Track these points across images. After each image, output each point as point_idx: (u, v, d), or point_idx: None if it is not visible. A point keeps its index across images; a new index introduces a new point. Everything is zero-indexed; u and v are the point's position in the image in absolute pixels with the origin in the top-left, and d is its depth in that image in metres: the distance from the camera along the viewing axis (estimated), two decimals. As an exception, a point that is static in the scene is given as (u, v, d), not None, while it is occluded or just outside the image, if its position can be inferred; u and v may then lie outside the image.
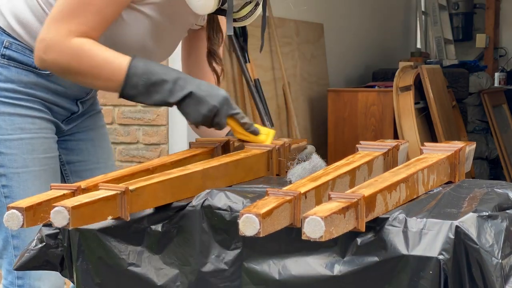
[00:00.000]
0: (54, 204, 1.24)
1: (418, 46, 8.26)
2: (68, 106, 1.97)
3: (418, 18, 8.25)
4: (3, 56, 1.86)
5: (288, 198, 1.22)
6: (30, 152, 1.86)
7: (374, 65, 6.57)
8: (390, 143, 1.61)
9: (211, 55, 1.93)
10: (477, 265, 1.20)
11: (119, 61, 1.65)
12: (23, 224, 1.26)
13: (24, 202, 1.28)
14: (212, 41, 1.92)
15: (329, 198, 1.22)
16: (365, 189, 1.27)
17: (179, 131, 3.92)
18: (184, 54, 2.03)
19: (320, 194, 1.31)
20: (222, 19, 1.91)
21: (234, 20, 1.81)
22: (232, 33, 1.74)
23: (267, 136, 1.70)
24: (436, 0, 7.94)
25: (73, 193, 1.36)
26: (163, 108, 3.89)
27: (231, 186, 1.53)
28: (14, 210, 1.26)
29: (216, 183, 1.50)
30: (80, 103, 2.00)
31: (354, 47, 6.42)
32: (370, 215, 1.24)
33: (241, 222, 1.16)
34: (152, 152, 3.98)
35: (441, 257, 1.21)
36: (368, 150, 1.59)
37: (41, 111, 1.89)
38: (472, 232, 1.22)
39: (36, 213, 1.28)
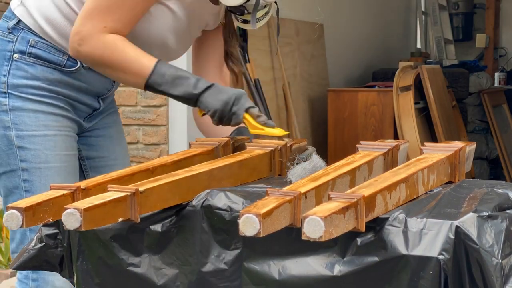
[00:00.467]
0: (66, 206, 1.24)
1: (418, 46, 8.25)
2: (90, 103, 2.02)
3: (418, 18, 8.24)
4: (29, 54, 1.91)
5: (288, 198, 1.22)
6: (52, 149, 1.92)
7: (374, 65, 6.56)
8: (390, 143, 1.61)
9: (228, 56, 2.00)
10: (477, 265, 1.20)
11: (148, 59, 1.75)
12: (22, 224, 1.26)
13: (24, 202, 1.28)
14: (229, 43, 2.00)
15: (329, 198, 1.22)
16: (365, 189, 1.27)
17: (179, 131, 3.92)
18: (193, 55, 2.08)
19: (320, 194, 1.31)
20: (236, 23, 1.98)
21: (246, 21, 1.90)
22: (256, 27, 1.86)
23: (281, 130, 1.73)
24: (436, 0, 7.93)
25: (73, 193, 1.36)
26: (163, 108, 3.89)
27: (236, 186, 1.53)
28: (14, 210, 1.26)
29: (222, 184, 1.50)
30: (101, 99, 2.05)
31: (354, 47, 6.42)
32: (370, 215, 1.24)
33: (241, 222, 1.16)
34: (152, 152, 3.98)
35: (441, 257, 1.21)
36: (368, 150, 1.59)
37: (64, 109, 1.95)
38: (472, 232, 1.22)
39: (35, 213, 1.28)
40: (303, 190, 1.27)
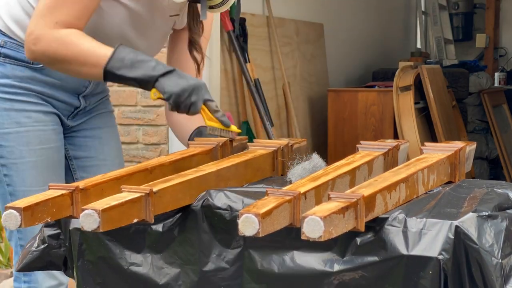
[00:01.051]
0: (83, 207, 1.23)
1: (418, 46, 8.25)
2: (69, 101, 2.04)
3: (418, 18, 8.24)
4: None
5: (288, 198, 1.22)
6: (25, 144, 1.97)
7: (374, 65, 6.57)
8: (390, 143, 1.61)
9: (192, 44, 1.99)
10: (477, 265, 1.20)
11: (105, 50, 1.74)
12: (21, 224, 1.26)
13: (22, 202, 1.28)
14: (193, 30, 1.98)
15: (329, 198, 1.21)
16: (365, 189, 1.27)
17: (179, 131, 3.91)
18: (168, 54, 2.09)
19: (320, 194, 1.31)
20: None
21: (210, 7, 1.89)
22: (205, 18, 1.87)
23: (235, 127, 1.76)
24: (436, 0, 7.93)
25: (71, 193, 1.36)
26: (163, 108, 3.89)
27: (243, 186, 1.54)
28: (12, 210, 1.26)
29: (229, 184, 1.51)
30: (82, 97, 2.06)
31: (354, 47, 6.42)
32: (369, 215, 1.24)
33: (240, 222, 1.15)
34: (152, 152, 3.98)
35: (441, 257, 1.21)
36: (369, 150, 1.58)
37: (38, 104, 1.98)
38: (472, 232, 1.22)
39: (34, 213, 1.28)
40: (302, 190, 1.26)
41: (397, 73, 5.00)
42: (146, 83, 1.73)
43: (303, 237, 1.13)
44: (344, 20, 6.19)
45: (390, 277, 1.24)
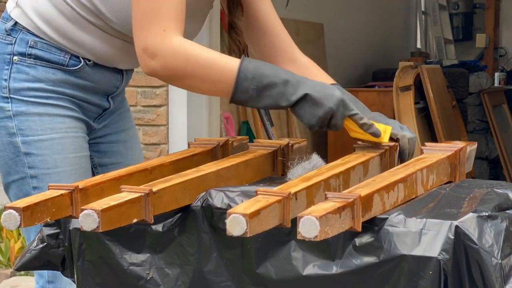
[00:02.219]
0: (83, 208, 1.22)
1: (418, 46, 8.26)
2: (99, 103, 1.95)
3: (418, 18, 8.25)
4: (29, 55, 1.84)
5: (278, 198, 1.21)
6: (60, 152, 1.85)
7: (374, 65, 6.57)
8: (388, 143, 1.60)
9: (232, 28, 1.89)
10: (477, 266, 1.20)
11: (225, 61, 1.60)
12: (20, 224, 1.25)
13: (22, 202, 1.28)
14: (233, 13, 1.89)
15: (326, 198, 1.21)
16: (362, 189, 1.26)
17: (179, 131, 3.91)
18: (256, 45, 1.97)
19: (312, 194, 1.30)
20: None
21: None
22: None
23: (384, 132, 1.61)
24: (436, 0, 7.93)
25: (71, 193, 1.35)
26: (163, 108, 3.89)
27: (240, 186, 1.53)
28: (12, 210, 1.26)
29: (229, 184, 1.50)
30: (111, 98, 1.98)
31: (354, 47, 6.42)
32: (367, 215, 1.24)
33: (228, 221, 1.14)
34: (152, 152, 3.97)
35: (441, 257, 1.21)
36: (365, 150, 1.58)
37: (70, 109, 1.88)
38: (472, 232, 1.22)
39: (33, 213, 1.28)
40: (293, 190, 1.25)
41: (397, 73, 5.01)
42: (279, 108, 1.61)
43: (299, 237, 1.13)
44: (344, 20, 6.19)
45: (389, 278, 1.24)
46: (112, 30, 1.84)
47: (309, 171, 1.56)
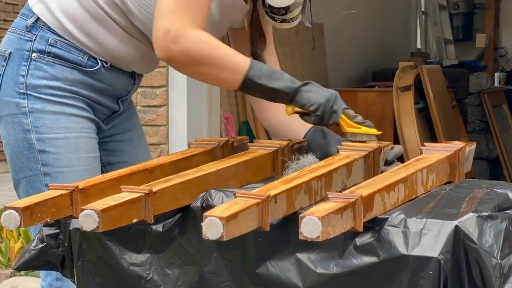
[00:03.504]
0: (83, 208, 1.22)
1: (418, 46, 8.26)
2: (110, 105, 1.96)
3: (418, 18, 8.25)
4: (49, 53, 1.85)
5: (256, 201, 1.20)
6: (74, 152, 1.86)
7: (374, 65, 6.57)
8: (371, 145, 1.59)
9: (255, 59, 1.89)
10: (477, 265, 1.20)
11: (242, 57, 1.70)
12: (20, 224, 1.25)
13: (22, 202, 1.28)
14: (255, 44, 1.93)
15: (327, 198, 1.21)
16: (363, 189, 1.27)
17: (179, 131, 3.92)
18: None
19: (292, 197, 1.29)
20: (264, 23, 1.94)
21: (284, 21, 1.88)
22: (310, 25, 1.88)
23: (375, 130, 1.70)
24: (436, 0, 7.93)
25: (71, 193, 1.35)
26: (163, 108, 3.89)
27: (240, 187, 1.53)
28: (12, 210, 1.26)
29: (229, 184, 1.50)
30: (120, 101, 1.99)
31: (354, 47, 6.42)
32: (368, 215, 1.24)
33: (204, 225, 1.13)
34: (152, 152, 3.97)
35: (441, 257, 1.21)
36: (349, 152, 1.56)
37: (84, 109, 1.89)
38: (472, 232, 1.22)
39: (33, 213, 1.28)
40: (273, 192, 1.24)
41: (397, 73, 5.00)
42: (284, 95, 1.68)
43: (300, 237, 1.13)
44: (344, 20, 6.19)
45: (390, 278, 1.24)
46: (134, 30, 1.86)
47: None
